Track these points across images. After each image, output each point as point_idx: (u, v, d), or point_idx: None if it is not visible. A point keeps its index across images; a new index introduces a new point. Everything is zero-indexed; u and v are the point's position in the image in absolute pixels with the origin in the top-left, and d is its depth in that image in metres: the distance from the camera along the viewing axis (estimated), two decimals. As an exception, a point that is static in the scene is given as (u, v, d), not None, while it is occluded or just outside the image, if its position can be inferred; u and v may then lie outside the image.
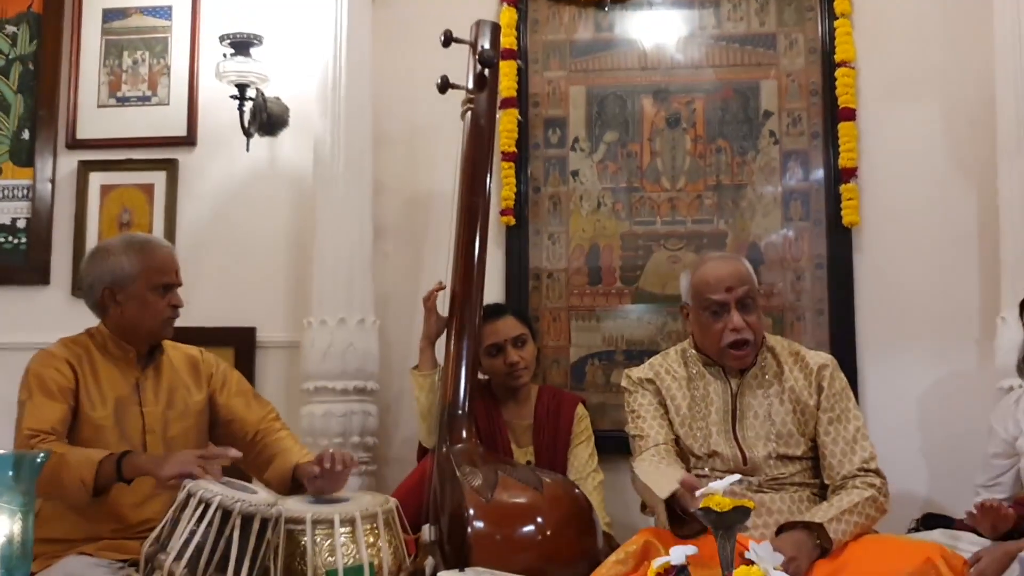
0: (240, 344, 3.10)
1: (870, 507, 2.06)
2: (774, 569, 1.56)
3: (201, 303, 2.91)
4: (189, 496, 1.85)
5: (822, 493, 2.18)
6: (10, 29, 3.33)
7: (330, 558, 1.93)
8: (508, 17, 3.11)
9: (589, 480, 2.58)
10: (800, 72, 3.06)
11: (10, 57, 3.32)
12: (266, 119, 3.10)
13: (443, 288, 2.60)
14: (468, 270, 2.47)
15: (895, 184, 2.98)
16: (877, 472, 2.14)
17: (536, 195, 3.12)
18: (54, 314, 3.14)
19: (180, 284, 2.26)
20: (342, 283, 2.91)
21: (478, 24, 2.59)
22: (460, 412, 2.35)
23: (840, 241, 2.96)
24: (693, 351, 2.32)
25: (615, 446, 2.69)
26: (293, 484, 2.20)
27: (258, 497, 1.91)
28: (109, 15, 3.31)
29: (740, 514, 1.63)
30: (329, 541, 1.95)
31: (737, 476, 1.87)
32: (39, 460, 1.51)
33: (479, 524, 2.05)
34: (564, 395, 2.76)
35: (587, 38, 3.15)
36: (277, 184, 3.20)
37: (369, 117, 3.02)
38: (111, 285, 2.18)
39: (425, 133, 3.15)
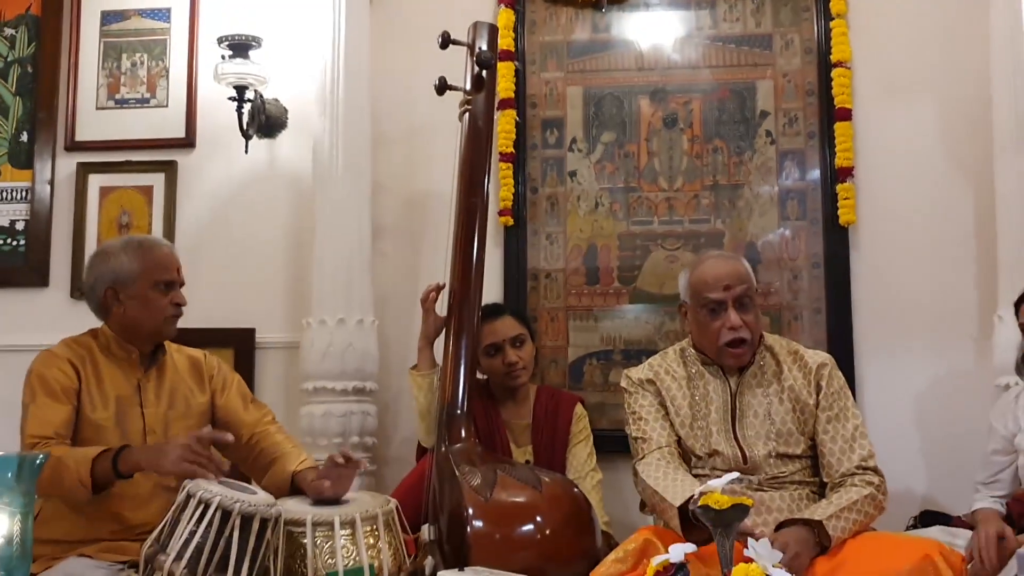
0: (239, 345, 3.10)
1: (869, 505, 2.07)
2: (773, 567, 1.57)
3: (200, 304, 2.90)
4: (189, 496, 1.85)
5: (821, 491, 2.19)
6: (8, 31, 3.33)
7: (330, 560, 1.94)
8: (505, 18, 3.11)
9: (588, 479, 2.59)
10: (796, 72, 3.06)
11: (8, 59, 3.33)
12: (265, 121, 3.11)
13: (442, 288, 2.61)
14: (466, 270, 2.47)
15: (892, 183, 2.99)
16: (875, 470, 2.15)
17: (534, 195, 3.13)
18: (53, 316, 3.15)
19: (182, 283, 2.26)
20: (341, 284, 2.92)
21: (475, 25, 2.60)
22: (459, 412, 2.35)
23: (837, 240, 2.97)
24: (692, 350, 2.32)
25: (613, 445, 2.70)
26: (292, 490, 2.19)
27: (257, 497, 1.91)
28: (108, 17, 3.32)
29: (738, 512, 1.64)
30: (329, 543, 1.96)
31: (735, 474, 1.88)
32: (39, 462, 1.51)
33: (478, 523, 2.05)
34: (562, 395, 2.77)
35: (584, 39, 3.16)
36: (276, 185, 3.21)
37: (367, 118, 3.03)
38: (113, 285, 2.18)
39: (423, 134, 3.16)
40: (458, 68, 2.59)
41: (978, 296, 2.90)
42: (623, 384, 2.34)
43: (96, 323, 2.26)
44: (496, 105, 2.83)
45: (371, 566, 1.93)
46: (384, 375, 3.04)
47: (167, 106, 3.26)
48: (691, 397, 2.26)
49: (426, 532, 2.20)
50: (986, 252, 2.86)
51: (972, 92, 2.92)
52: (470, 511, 2.06)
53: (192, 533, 1.81)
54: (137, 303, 2.18)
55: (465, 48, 2.57)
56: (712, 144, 3.07)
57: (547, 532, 2.08)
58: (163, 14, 3.29)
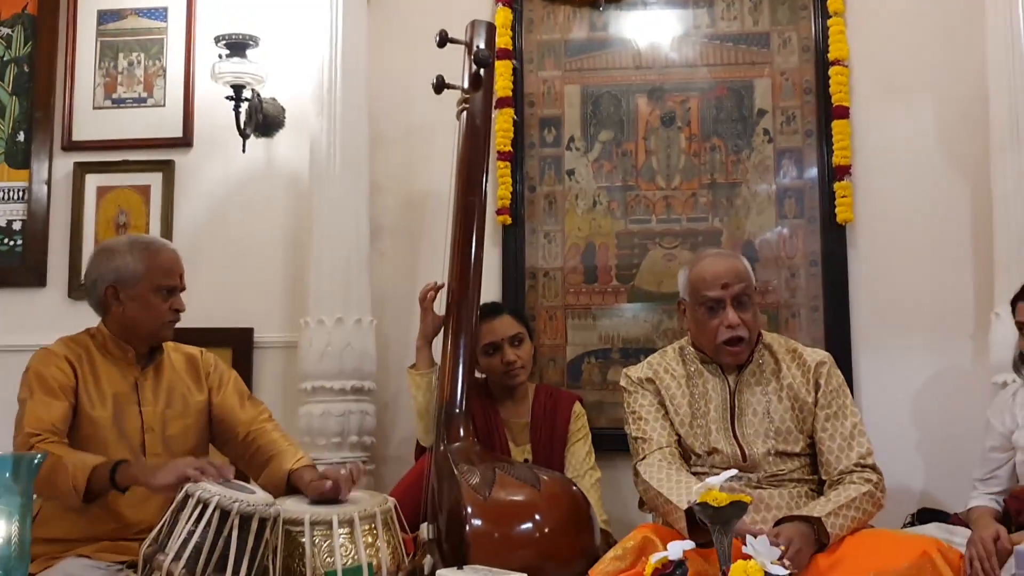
0: (238, 344, 3.10)
1: (867, 502, 2.07)
2: (771, 563, 1.57)
3: (198, 304, 2.88)
4: (187, 496, 1.85)
5: (820, 489, 2.19)
6: (4, 31, 3.33)
7: (329, 559, 1.94)
8: (503, 17, 3.11)
9: (586, 478, 2.59)
10: (794, 70, 3.07)
11: (5, 59, 3.32)
12: (262, 120, 3.11)
13: (440, 287, 2.61)
14: (465, 269, 2.47)
15: (889, 181, 2.99)
16: (874, 468, 2.15)
17: (532, 194, 3.13)
18: (51, 316, 3.15)
19: (183, 288, 2.26)
20: (339, 283, 2.91)
21: (473, 24, 2.60)
22: (457, 411, 2.35)
23: (834, 238, 2.97)
24: (691, 348, 2.32)
25: (612, 444, 2.70)
26: (288, 488, 2.19)
27: (256, 497, 1.91)
28: (104, 17, 3.31)
29: (737, 509, 1.65)
30: (328, 542, 1.96)
31: (733, 471, 1.88)
32: (36, 462, 1.51)
33: (477, 522, 2.05)
34: (561, 393, 2.77)
35: (582, 38, 3.16)
36: (274, 185, 3.20)
37: (365, 117, 3.03)
38: (114, 284, 2.18)
39: (421, 133, 3.16)
40: (456, 67, 2.59)
41: (975, 294, 2.91)
42: (622, 383, 2.34)
43: (94, 321, 2.26)
44: (494, 104, 2.83)
45: (369, 565, 1.93)
46: (382, 374, 3.04)
47: (164, 105, 3.25)
48: (690, 395, 2.26)
49: (425, 531, 2.20)
50: (983, 250, 2.86)
51: (969, 90, 2.92)
52: (469, 510, 2.06)
53: (191, 533, 1.80)
54: (137, 305, 2.18)
55: (463, 47, 2.57)
56: (710, 142, 3.08)
57: (546, 530, 2.08)
58: (160, 13, 3.29)
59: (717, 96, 3.09)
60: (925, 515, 2.51)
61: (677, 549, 1.65)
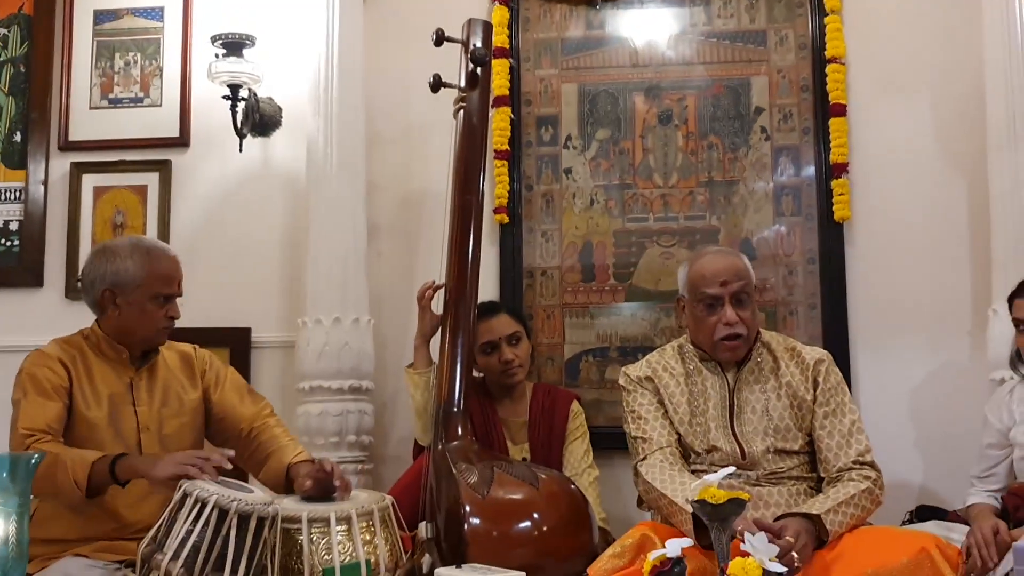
0: (236, 344, 3.10)
1: (865, 499, 2.07)
2: (770, 560, 1.57)
3: (196, 304, 2.89)
4: (185, 496, 1.85)
5: (819, 487, 2.19)
6: (0, 31, 3.32)
7: (327, 556, 1.94)
8: (500, 16, 3.11)
9: (584, 476, 2.59)
10: (791, 68, 3.07)
11: (1, 59, 3.32)
12: (259, 120, 3.10)
13: (439, 287, 2.60)
14: (462, 268, 2.47)
15: (886, 179, 2.99)
16: (872, 465, 2.15)
17: (529, 193, 3.13)
18: (48, 316, 3.14)
19: (180, 295, 2.26)
20: (336, 283, 2.91)
21: (470, 23, 2.60)
22: (455, 409, 2.35)
23: (832, 236, 2.98)
24: (690, 346, 2.32)
25: (610, 442, 2.70)
26: (288, 482, 2.20)
27: (254, 496, 1.91)
28: (100, 16, 3.31)
29: (735, 506, 1.65)
30: (326, 539, 1.96)
31: (732, 468, 1.88)
32: (34, 461, 1.51)
33: (475, 520, 2.05)
34: (559, 392, 2.77)
35: (578, 36, 3.16)
36: (270, 184, 3.20)
37: (362, 117, 3.02)
38: (112, 287, 2.18)
39: (418, 132, 3.16)
40: (452, 66, 2.59)
41: (972, 291, 2.91)
42: (621, 382, 2.34)
43: (91, 322, 2.25)
44: (491, 102, 2.83)
45: (367, 561, 1.94)
46: (380, 374, 3.04)
47: (161, 105, 3.25)
48: (689, 394, 2.26)
49: (423, 530, 2.20)
50: (980, 247, 2.87)
51: (966, 88, 2.92)
52: (467, 508, 2.06)
53: (189, 532, 1.80)
54: (133, 310, 2.18)
55: (459, 45, 2.57)
56: (707, 140, 3.08)
57: (544, 529, 2.08)
58: (156, 13, 3.29)
59: (714, 94, 3.09)
60: (924, 512, 2.51)
61: (675, 546, 1.65)
